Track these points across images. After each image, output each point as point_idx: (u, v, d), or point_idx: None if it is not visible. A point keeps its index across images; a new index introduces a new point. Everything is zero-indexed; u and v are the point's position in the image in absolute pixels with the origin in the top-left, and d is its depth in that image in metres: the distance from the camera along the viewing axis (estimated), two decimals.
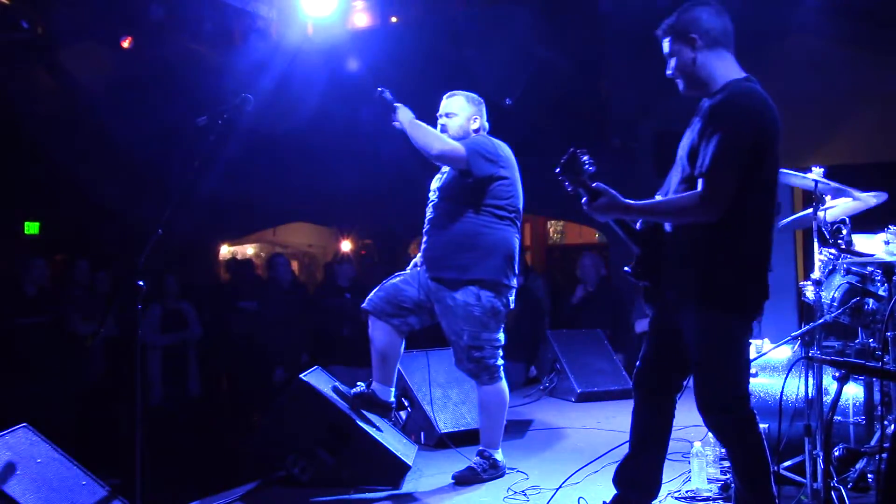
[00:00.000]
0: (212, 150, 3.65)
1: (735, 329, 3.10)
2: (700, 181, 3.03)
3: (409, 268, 4.65)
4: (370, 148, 9.69)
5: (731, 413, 3.09)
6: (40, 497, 3.43)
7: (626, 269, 3.37)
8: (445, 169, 4.52)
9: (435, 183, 4.56)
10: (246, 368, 7.89)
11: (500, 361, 4.43)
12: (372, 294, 4.53)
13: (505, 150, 4.44)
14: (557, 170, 3.22)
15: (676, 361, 3.26)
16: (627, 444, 3.39)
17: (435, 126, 4.52)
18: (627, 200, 3.20)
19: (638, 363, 3.41)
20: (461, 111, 4.53)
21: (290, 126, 9.10)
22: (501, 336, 4.44)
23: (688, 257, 3.15)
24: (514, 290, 4.45)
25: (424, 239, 4.50)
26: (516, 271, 4.45)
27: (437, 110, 4.64)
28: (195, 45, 9.02)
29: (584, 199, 3.23)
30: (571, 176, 3.24)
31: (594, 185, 3.21)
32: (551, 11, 8.37)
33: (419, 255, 4.59)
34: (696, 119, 3.18)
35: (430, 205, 4.51)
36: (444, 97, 4.61)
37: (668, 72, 3.28)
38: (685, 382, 3.35)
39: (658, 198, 3.35)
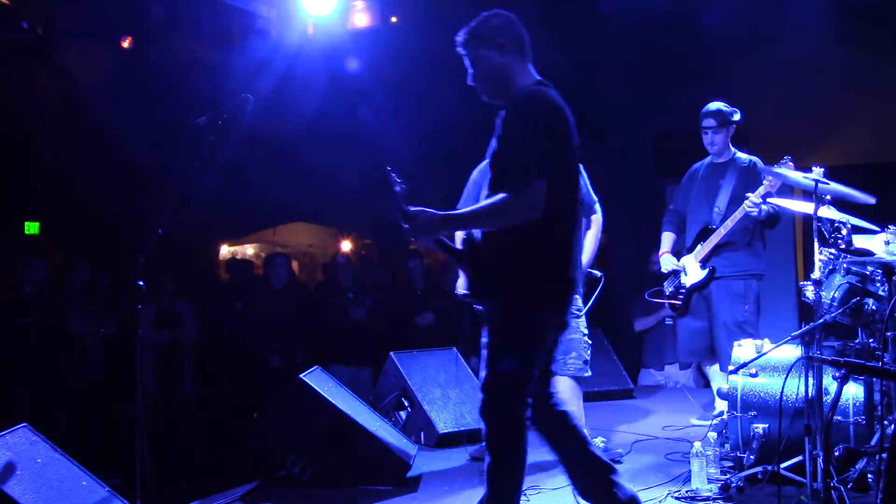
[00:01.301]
0: (212, 150, 3.65)
1: (530, 322, 3.07)
2: (510, 182, 3.02)
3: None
4: (370, 148, 9.69)
5: (505, 418, 3.04)
6: (40, 497, 3.43)
7: (461, 292, 3.31)
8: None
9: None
10: (242, 368, 7.88)
11: None
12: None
13: None
14: (380, 199, 3.12)
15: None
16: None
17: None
18: (444, 213, 3.12)
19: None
20: None
21: (290, 126, 9.09)
22: None
23: (492, 260, 3.13)
24: None
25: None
26: None
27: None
28: (195, 45, 9.01)
29: (404, 224, 3.11)
30: (388, 199, 3.11)
31: (410, 208, 3.10)
32: (550, 11, 8.36)
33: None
34: (497, 126, 3.19)
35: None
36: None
37: (469, 80, 3.29)
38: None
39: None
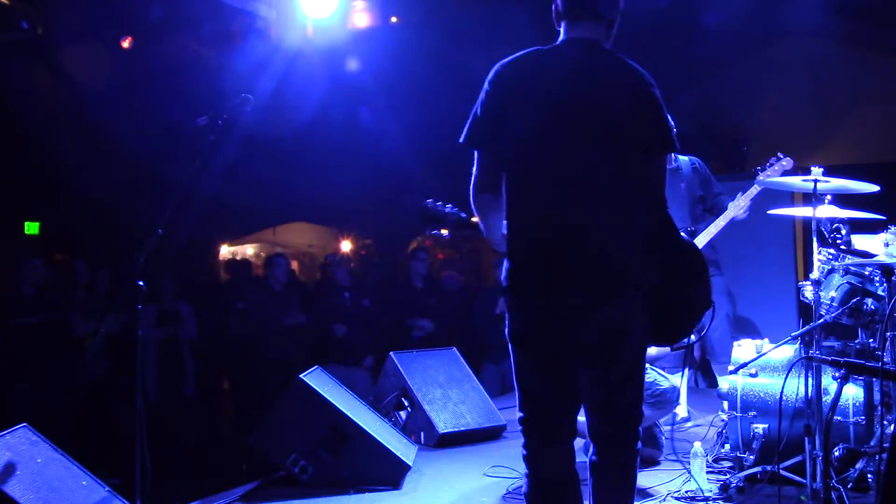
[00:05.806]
0: (212, 150, 3.66)
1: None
2: None
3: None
4: (370, 148, 9.70)
5: None
6: (40, 497, 3.43)
7: None
8: None
9: None
10: (243, 368, 7.88)
11: None
12: None
13: None
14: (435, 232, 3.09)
15: None
16: None
17: None
18: None
19: None
20: None
21: (290, 126, 9.10)
22: None
23: None
24: None
25: None
26: None
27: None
28: (195, 45, 9.01)
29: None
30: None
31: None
32: (550, 12, 8.37)
33: None
34: None
35: None
36: None
37: None
38: None
39: None
